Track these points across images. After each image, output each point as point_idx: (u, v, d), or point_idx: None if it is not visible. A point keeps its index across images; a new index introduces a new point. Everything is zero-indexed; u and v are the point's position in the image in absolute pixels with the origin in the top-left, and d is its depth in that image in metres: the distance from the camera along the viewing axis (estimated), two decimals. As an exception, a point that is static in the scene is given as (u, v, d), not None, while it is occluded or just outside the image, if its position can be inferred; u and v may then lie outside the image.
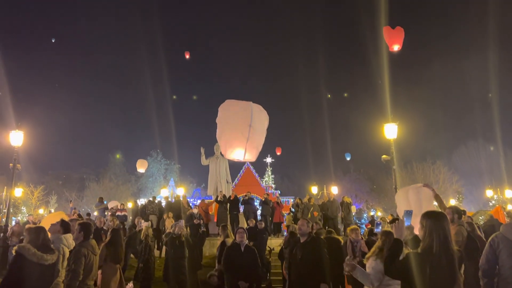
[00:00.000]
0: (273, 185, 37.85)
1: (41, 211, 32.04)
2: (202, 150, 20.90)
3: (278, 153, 42.25)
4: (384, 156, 14.85)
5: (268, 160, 41.90)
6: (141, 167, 29.09)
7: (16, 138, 15.30)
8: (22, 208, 37.95)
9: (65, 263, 5.02)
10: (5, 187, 22.15)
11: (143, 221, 12.24)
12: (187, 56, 35.81)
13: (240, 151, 14.41)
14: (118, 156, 48.41)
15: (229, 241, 7.80)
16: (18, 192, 27.95)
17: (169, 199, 18.06)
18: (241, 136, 13.92)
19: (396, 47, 14.85)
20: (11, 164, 15.11)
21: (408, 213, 3.67)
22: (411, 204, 5.66)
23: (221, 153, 18.12)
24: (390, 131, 14.55)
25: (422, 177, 34.71)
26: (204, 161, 20.96)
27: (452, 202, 32.00)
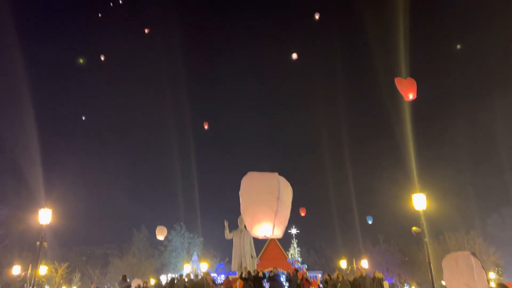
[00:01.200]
0: (299, 259, 36.54)
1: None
2: (226, 224, 20.62)
3: (303, 214, 41.22)
4: (414, 228, 14.31)
5: (293, 231, 40.89)
6: (160, 234, 28.69)
7: (45, 216, 15.55)
8: (46, 286, 37.49)
9: None
10: (30, 265, 22.13)
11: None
12: (206, 127, 36.92)
13: (268, 227, 13.50)
14: (142, 231, 48.06)
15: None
16: (42, 270, 27.79)
17: (191, 277, 17.53)
18: (269, 210, 13.05)
19: (411, 96, 14.93)
20: (38, 243, 15.22)
21: None
22: (462, 273, 5.47)
23: (245, 226, 17.77)
24: (419, 202, 14.15)
25: (456, 249, 32.90)
26: (228, 235, 20.60)
27: (492, 275, 29.93)
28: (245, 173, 14.25)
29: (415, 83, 15.17)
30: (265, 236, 14.16)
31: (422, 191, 14.53)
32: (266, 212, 13.18)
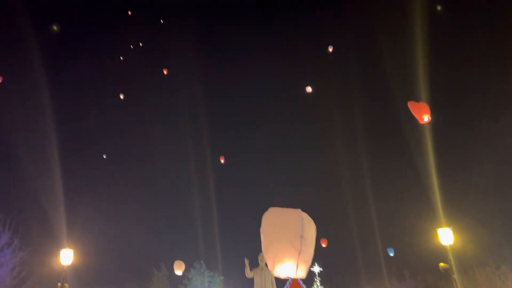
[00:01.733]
0: (323, 298, 35.40)
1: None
2: (247, 262, 20.21)
3: (324, 245, 40.24)
4: (441, 264, 13.80)
5: (316, 269, 39.84)
6: (178, 268, 28.29)
7: (66, 256, 15.62)
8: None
9: None
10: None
11: None
12: (222, 161, 36.92)
13: (291, 266, 12.59)
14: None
15: None
16: (63, 311, 27.54)
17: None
18: (292, 248, 12.15)
19: (426, 118, 14.76)
20: (59, 284, 15.23)
21: None
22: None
23: (266, 264, 17.42)
24: (445, 236, 13.72)
25: (486, 285, 31.47)
26: (248, 273, 20.15)
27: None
28: (265, 209, 13.84)
29: (427, 106, 15.15)
30: (287, 276, 13.19)
31: (448, 225, 14.12)
32: (289, 251, 12.30)
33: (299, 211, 12.94)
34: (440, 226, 13.84)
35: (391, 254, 41.85)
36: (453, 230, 13.74)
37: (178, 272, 28.90)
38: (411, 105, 14.55)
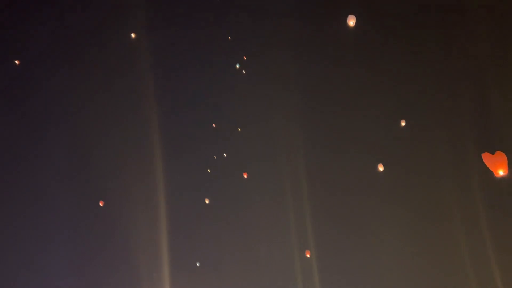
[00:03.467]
0: None
1: None
2: None
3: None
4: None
5: None
6: None
7: None
8: None
9: None
10: None
11: None
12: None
13: None
14: None
15: None
16: None
17: None
18: None
19: (501, 172, 13.45)
20: None
21: None
22: None
23: None
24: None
25: None
26: None
27: None
28: None
29: (505, 156, 13.97)
30: None
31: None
32: None
33: None
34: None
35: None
36: None
37: None
38: (485, 158, 13.68)
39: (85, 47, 11.70)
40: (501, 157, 14.56)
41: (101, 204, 10.46)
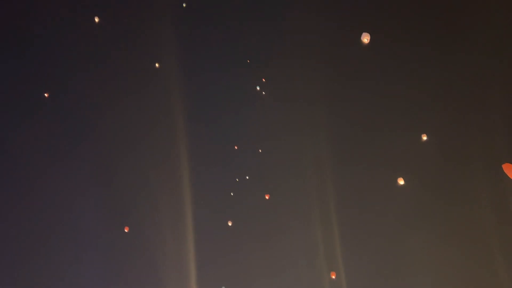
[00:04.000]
0: None
1: None
2: None
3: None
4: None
5: None
6: None
7: None
8: None
9: None
10: None
11: None
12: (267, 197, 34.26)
13: None
14: None
15: None
16: None
17: None
18: None
19: None
20: None
21: None
22: None
23: None
24: None
25: None
26: None
27: None
28: None
29: None
30: None
31: None
32: None
33: None
34: None
35: None
36: None
37: None
38: (506, 168, 13.34)
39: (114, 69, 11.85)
40: None
41: (126, 230, 10.58)
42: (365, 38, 8.73)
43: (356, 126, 10.78)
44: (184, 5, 11.77)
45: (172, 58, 11.74)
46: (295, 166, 11.41)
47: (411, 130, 9.83)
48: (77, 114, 11.66)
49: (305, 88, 11.37)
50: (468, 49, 9.54)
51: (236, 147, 11.83)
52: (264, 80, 11.81)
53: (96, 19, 11.45)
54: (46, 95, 11.29)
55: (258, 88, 11.84)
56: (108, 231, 10.90)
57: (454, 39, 9.90)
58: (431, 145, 9.55)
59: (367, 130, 10.60)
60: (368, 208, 10.16)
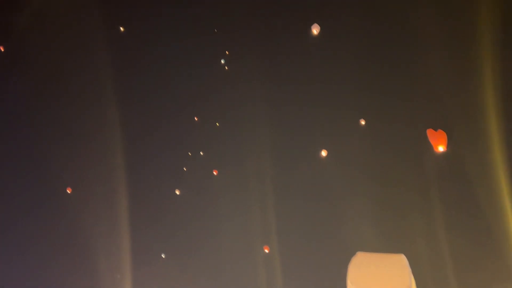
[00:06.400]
0: None
1: None
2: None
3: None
4: None
5: None
6: None
7: None
8: None
9: None
10: None
11: None
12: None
13: None
14: None
15: None
16: None
17: None
18: None
19: (441, 148, 13.84)
20: None
21: None
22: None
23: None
24: None
25: None
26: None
27: None
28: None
29: (445, 135, 14.55)
30: None
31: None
32: None
33: (402, 256, 9.59)
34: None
35: None
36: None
37: None
38: (430, 133, 14.12)
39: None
40: (442, 134, 14.95)
41: (68, 191, 10.62)
42: (315, 30, 9.03)
43: (304, 110, 11.02)
44: None
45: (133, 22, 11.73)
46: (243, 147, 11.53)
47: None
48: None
49: (270, 66, 11.48)
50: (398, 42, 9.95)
51: (196, 119, 11.76)
52: (227, 52, 11.73)
53: None
54: None
55: (223, 61, 11.72)
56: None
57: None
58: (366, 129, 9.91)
59: (314, 114, 10.85)
60: (303, 180, 10.48)
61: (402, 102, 10.13)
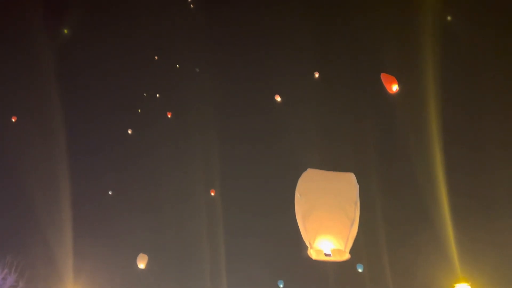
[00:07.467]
0: None
1: None
2: None
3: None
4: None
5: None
6: (141, 262, 25.78)
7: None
8: None
9: None
10: None
11: None
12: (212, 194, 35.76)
13: (340, 239, 7.78)
14: None
15: None
16: None
17: None
18: (345, 217, 7.54)
19: (394, 88, 14.84)
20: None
21: None
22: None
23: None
24: (464, 293, 12.92)
25: None
26: None
27: None
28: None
29: (394, 78, 15.56)
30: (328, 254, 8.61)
31: (466, 280, 13.34)
32: (339, 221, 7.62)
33: (352, 174, 9.01)
34: (458, 281, 13.07)
35: (360, 270, 37.73)
36: (471, 286, 12.96)
37: (141, 265, 26.44)
38: (383, 77, 14.80)
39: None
40: (392, 77, 15.79)
41: (13, 120, 10.56)
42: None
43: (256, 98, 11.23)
44: None
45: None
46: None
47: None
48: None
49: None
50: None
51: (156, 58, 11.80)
52: None
53: None
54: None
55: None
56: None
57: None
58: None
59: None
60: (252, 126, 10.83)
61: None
